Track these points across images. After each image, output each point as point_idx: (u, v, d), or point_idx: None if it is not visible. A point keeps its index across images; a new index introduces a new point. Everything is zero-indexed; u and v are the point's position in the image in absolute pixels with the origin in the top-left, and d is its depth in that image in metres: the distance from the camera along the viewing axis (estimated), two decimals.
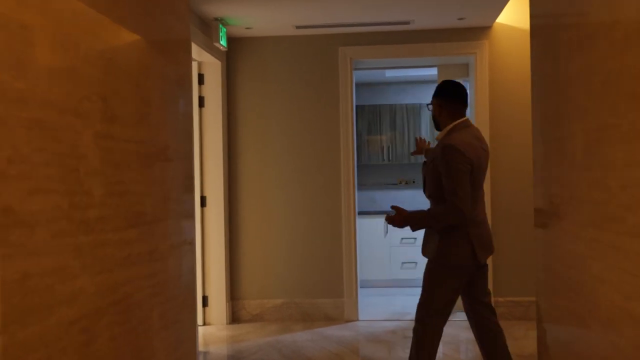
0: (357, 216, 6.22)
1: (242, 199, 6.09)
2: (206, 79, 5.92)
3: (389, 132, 8.25)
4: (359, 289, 6.17)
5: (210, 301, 5.91)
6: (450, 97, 3.47)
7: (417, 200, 8.43)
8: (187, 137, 2.63)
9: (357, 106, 8.20)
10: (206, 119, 5.92)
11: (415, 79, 8.27)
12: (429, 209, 3.44)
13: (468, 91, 6.70)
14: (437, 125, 3.55)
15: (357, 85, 8.33)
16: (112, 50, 2.01)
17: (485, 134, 5.80)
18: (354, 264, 6.05)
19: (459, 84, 3.55)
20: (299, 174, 6.06)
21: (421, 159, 8.25)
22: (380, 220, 7.78)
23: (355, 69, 6.45)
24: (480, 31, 5.90)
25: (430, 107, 3.60)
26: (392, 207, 3.49)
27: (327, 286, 6.04)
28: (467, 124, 3.45)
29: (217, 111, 5.91)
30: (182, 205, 2.58)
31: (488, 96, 5.87)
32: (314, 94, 6.06)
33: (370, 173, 8.51)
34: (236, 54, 6.10)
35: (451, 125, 3.42)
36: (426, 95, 8.41)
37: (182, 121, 2.58)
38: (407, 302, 6.88)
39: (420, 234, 7.87)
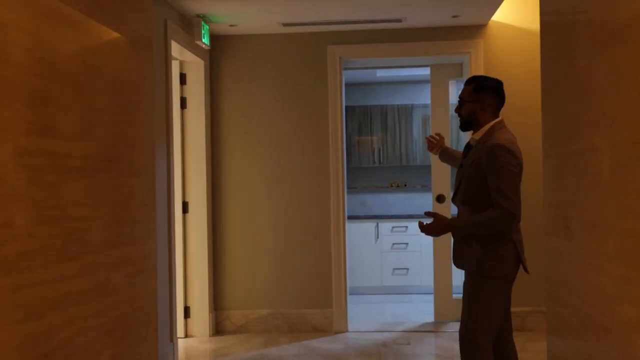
0: (346, 221, 5.85)
1: (227, 205, 5.70)
2: (188, 78, 5.52)
3: (380, 133, 7.86)
4: (348, 297, 5.79)
5: (193, 312, 5.52)
6: (494, 93, 3.10)
7: (408, 203, 8.05)
8: (146, 148, 2.23)
9: (347, 107, 7.81)
10: (188, 121, 5.51)
11: (407, 79, 7.88)
12: (475, 215, 3.02)
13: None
14: (468, 125, 3.15)
15: (347, 85, 7.94)
16: (45, 47, 1.63)
17: None
18: (344, 272, 5.67)
19: (496, 79, 3.21)
20: (286, 178, 5.68)
21: (413, 161, 7.88)
22: (371, 225, 7.41)
23: (345, 69, 6.06)
24: (475, 29, 5.52)
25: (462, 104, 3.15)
26: (427, 213, 3.10)
27: (315, 295, 5.66)
28: (504, 124, 3.12)
29: (200, 113, 5.51)
30: (140, 227, 2.19)
31: None
32: (302, 94, 5.67)
33: (361, 176, 8.12)
34: (220, 53, 5.70)
35: (490, 125, 3.06)
36: (418, 96, 8.04)
37: (141, 130, 2.19)
38: (399, 310, 6.52)
39: (411, 239, 7.57)
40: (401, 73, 7.45)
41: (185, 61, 5.48)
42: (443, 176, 5.88)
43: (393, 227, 7.39)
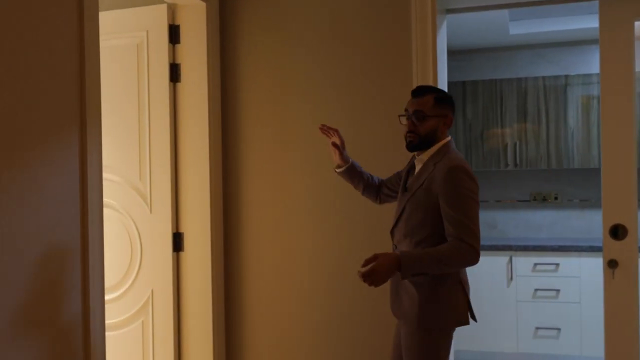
0: None
1: (245, 236, 3.41)
2: (183, 34, 3.31)
3: (515, 122, 5.22)
4: None
5: None
6: (453, 107, 2.43)
7: (560, 227, 5.33)
8: None
9: (466, 82, 5.28)
10: (184, 102, 3.31)
11: (557, 38, 5.17)
12: (426, 249, 2.24)
13: None
14: (423, 144, 2.39)
15: (464, 51, 5.44)
16: None
17: None
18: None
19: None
20: (342, 194, 3.27)
21: (569, 162, 5.14)
22: (502, 259, 4.81)
23: (449, 11, 3.57)
24: None
25: (413, 117, 2.38)
26: (367, 260, 2.21)
27: None
28: (453, 144, 2.44)
29: (202, 88, 3.28)
30: None
31: None
32: (370, 61, 3.25)
33: (488, 185, 5.52)
34: None
35: (442, 143, 2.39)
36: (576, 63, 5.28)
37: None
38: None
39: (564, 283, 4.84)
40: (545, 28, 4.79)
41: (179, 5, 3.29)
42: (624, 188, 3.17)
43: (536, 264, 4.77)
